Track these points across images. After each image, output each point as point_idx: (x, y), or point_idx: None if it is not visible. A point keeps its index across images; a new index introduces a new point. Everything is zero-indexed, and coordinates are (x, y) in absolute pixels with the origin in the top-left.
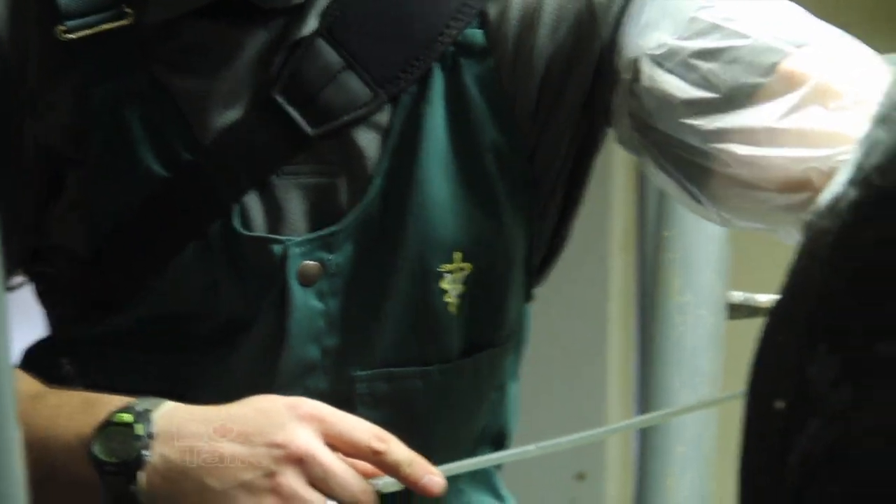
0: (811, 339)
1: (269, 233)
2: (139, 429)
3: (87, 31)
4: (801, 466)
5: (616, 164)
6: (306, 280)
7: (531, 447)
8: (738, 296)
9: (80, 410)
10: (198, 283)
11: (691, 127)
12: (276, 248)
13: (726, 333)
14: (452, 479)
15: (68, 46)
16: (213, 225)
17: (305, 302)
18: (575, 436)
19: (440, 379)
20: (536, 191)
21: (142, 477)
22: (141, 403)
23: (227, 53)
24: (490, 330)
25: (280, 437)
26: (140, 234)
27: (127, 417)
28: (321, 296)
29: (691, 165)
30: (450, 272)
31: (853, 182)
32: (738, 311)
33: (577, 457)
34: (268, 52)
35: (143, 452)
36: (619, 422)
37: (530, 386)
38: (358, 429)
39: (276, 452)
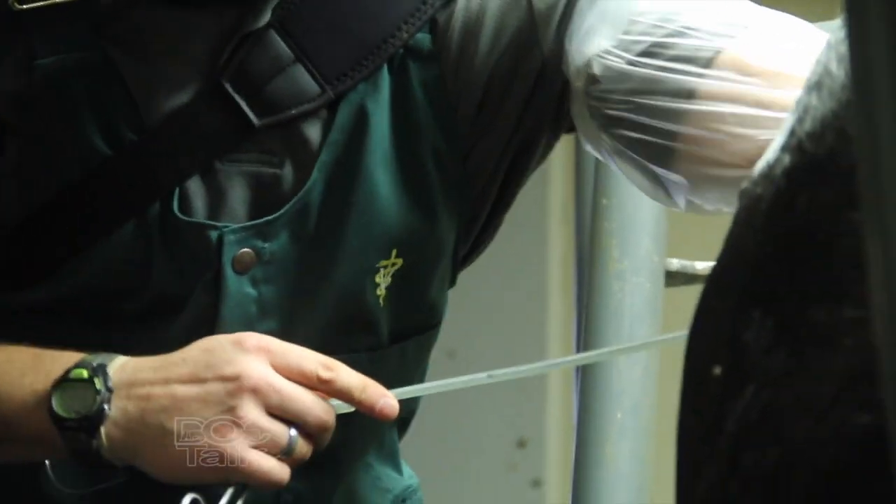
0: (746, 306)
1: (209, 218)
2: (98, 383)
3: (40, 3)
4: (736, 432)
5: None
6: (241, 267)
7: (483, 375)
8: (675, 263)
9: (32, 367)
10: (132, 261)
11: (654, 110)
12: (213, 235)
13: (664, 301)
14: (362, 454)
15: (20, 16)
16: (152, 206)
17: (239, 288)
18: (525, 367)
19: (368, 366)
20: (468, 191)
21: (103, 431)
22: (95, 358)
23: (179, 39)
24: (415, 319)
25: (230, 371)
26: (76, 209)
27: (84, 373)
28: (254, 283)
29: (662, 151)
30: (384, 267)
31: (786, 148)
32: (676, 278)
33: (518, 424)
34: (220, 41)
35: (104, 406)
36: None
37: (472, 353)
38: (305, 358)
39: (230, 386)
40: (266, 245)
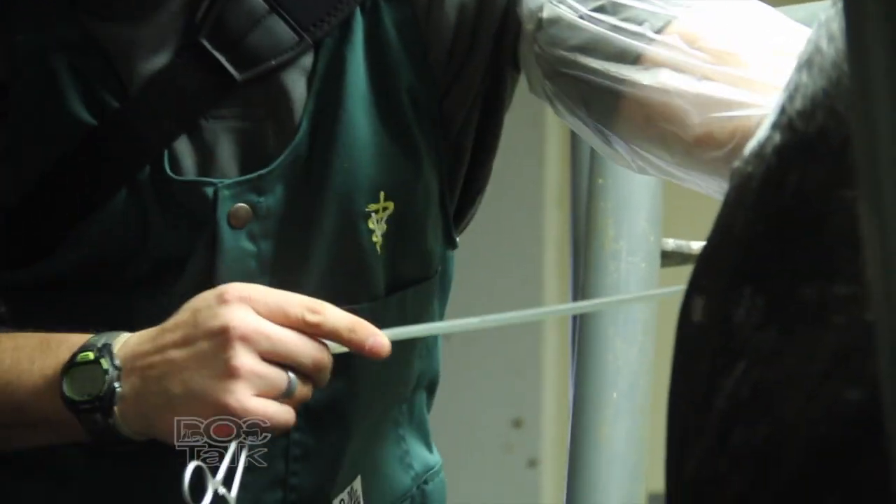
0: (737, 284)
1: (200, 176)
2: (105, 363)
3: None
4: (726, 409)
5: (549, 112)
6: (237, 222)
7: (476, 319)
8: (670, 243)
9: (40, 352)
10: (129, 227)
11: (598, 70)
12: (208, 191)
13: (659, 281)
14: (394, 425)
15: None
16: (143, 171)
17: (236, 244)
18: (519, 312)
19: (369, 316)
20: (447, 132)
21: (116, 409)
22: (99, 339)
23: (152, 1)
24: (412, 267)
25: (216, 325)
26: (69, 182)
27: (90, 355)
28: (252, 238)
29: (603, 109)
30: (375, 211)
31: (777, 126)
32: (671, 258)
33: (514, 404)
34: (193, 0)
35: (114, 385)
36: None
37: (468, 334)
38: (289, 302)
39: (219, 339)
40: (261, 199)
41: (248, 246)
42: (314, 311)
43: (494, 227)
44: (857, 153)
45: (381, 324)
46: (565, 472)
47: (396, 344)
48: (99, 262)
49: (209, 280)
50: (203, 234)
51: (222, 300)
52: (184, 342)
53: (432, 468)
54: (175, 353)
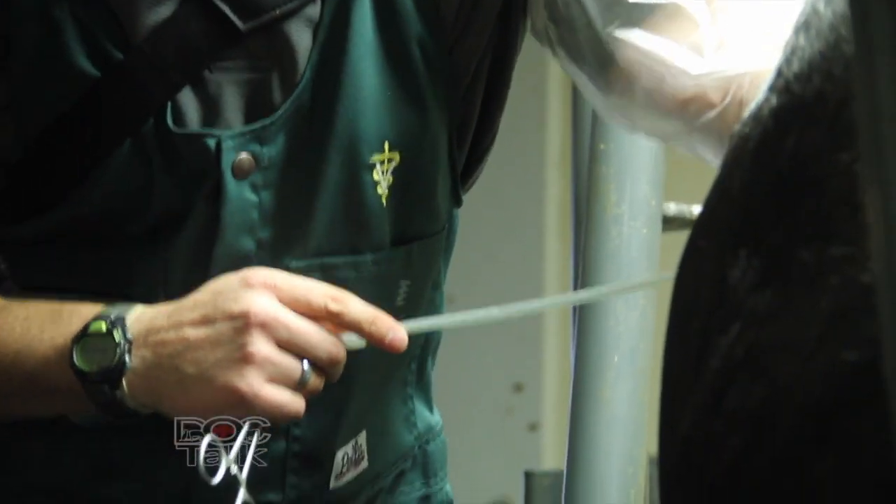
0: (733, 245)
1: (204, 127)
2: (117, 335)
3: None
4: (721, 369)
5: (551, 77)
6: (240, 173)
7: (495, 309)
8: (672, 208)
9: (51, 321)
10: (133, 180)
11: (592, 20)
12: (210, 142)
13: (661, 245)
14: (403, 385)
15: None
16: (147, 124)
17: (239, 194)
18: (537, 301)
19: (373, 268)
20: (456, 85)
21: (125, 382)
22: (112, 310)
23: None
24: (418, 221)
25: (237, 308)
26: (72, 135)
27: (103, 326)
28: (255, 188)
29: (596, 60)
30: (381, 162)
31: (774, 89)
32: (673, 223)
33: (515, 368)
34: None
35: (125, 358)
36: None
37: (470, 299)
38: (313, 291)
39: (238, 323)
40: (264, 149)
41: (251, 196)
42: (336, 301)
43: (496, 191)
44: (858, 119)
45: (386, 273)
46: (566, 436)
47: (408, 305)
48: (101, 216)
49: (213, 232)
50: (206, 185)
51: (246, 284)
52: (202, 322)
53: (433, 429)
54: (191, 332)
